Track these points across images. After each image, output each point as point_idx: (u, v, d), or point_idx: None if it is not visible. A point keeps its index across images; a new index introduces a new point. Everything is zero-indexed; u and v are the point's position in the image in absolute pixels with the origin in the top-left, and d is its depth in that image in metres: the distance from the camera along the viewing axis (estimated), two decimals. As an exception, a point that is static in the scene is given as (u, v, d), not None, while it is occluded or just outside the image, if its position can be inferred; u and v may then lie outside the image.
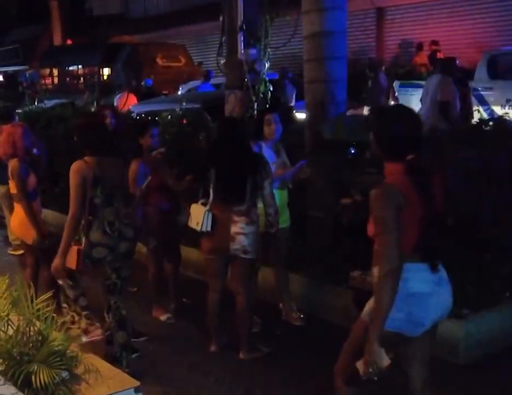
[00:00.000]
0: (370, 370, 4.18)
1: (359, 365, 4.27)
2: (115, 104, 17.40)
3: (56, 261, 6.20)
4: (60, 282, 6.90)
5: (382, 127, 4.46)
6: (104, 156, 6.32)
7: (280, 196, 7.31)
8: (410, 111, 4.53)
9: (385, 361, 4.13)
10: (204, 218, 6.73)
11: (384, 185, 4.31)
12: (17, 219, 7.70)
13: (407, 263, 4.23)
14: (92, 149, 6.32)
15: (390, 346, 4.26)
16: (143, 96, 19.02)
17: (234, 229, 6.62)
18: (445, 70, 11.63)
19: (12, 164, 7.62)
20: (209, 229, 6.73)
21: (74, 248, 6.26)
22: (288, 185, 7.59)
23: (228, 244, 6.64)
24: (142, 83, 21.83)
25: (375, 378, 4.24)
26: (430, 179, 4.39)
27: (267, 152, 7.28)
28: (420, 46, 20.86)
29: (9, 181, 7.77)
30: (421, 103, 11.96)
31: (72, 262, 6.26)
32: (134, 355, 6.77)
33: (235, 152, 6.71)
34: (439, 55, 19.69)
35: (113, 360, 5.95)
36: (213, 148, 7.17)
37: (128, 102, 17.45)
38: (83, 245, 6.27)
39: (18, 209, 7.66)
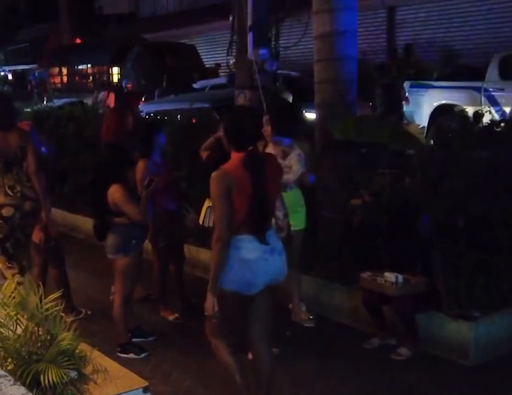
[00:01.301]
0: (207, 313, 5.40)
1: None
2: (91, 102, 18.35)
3: None
4: None
5: (229, 123, 5.45)
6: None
7: (292, 197, 7.21)
8: (250, 111, 5.87)
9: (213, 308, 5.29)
10: (206, 213, 6.74)
11: (219, 170, 5.18)
12: None
13: (240, 234, 5.15)
14: None
15: (233, 304, 5.33)
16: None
17: None
18: None
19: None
20: (210, 225, 6.71)
21: None
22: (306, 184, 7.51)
23: None
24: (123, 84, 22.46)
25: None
26: (264, 167, 5.28)
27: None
28: (409, 47, 21.14)
29: None
30: None
31: None
32: (142, 355, 6.76)
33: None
34: (413, 58, 20.14)
35: None
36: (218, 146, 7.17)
37: (109, 101, 18.33)
38: None
39: None
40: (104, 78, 27.54)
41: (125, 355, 6.82)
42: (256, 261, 5.19)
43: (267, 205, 5.34)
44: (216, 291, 5.24)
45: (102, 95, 21.88)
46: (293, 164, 7.38)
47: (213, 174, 5.16)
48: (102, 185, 6.84)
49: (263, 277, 5.25)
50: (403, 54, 20.74)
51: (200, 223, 6.86)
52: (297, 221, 7.29)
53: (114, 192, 6.76)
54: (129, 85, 23.32)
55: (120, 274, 6.98)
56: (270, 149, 7.30)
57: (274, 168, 5.47)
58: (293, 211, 7.04)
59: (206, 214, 6.79)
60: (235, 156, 5.27)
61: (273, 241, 5.29)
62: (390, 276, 6.58)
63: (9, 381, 2.93)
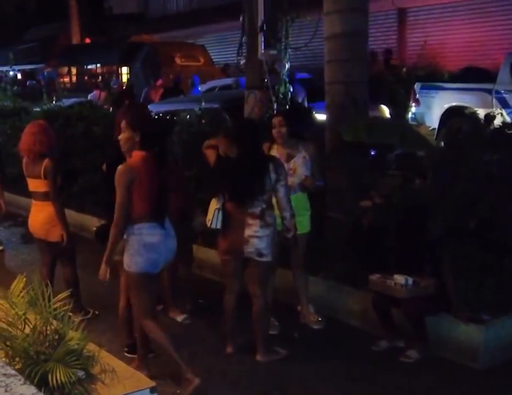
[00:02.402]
0: (101, 278, 6.22)
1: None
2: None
3: None
4: None
5: (140, 126, 6.19)
6: None
7: (296, 201, 7.14)
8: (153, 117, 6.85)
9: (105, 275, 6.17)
10: (213, 215, 6.73)
11: (123, 165, 6.03)
12: (41, 217, 7.67)
13: (143, 222, 6.02)
14: None
15: (146, 284, 6.11)
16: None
17: (248, 231, 6.57)
18: None
19: (46, 163, 7.56)
20: (218, 227, 6.73)
21: None
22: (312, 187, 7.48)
23: (242, 246, 6.60)
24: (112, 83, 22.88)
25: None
26: (166, 165, 6.37)
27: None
28: (388, 53, 21.53)
29: (32, 180, 7.72)
30: None
31: None
32: (150, 355, 6.75)
33: (245, 152, 6.66)
34: (393, 62, 21.35)
35: None
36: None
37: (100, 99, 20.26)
38: None
39: (42, 208, 7.64)
40: (113, 78, 27.60)
41: (133, 356, 6.79)
42: (159, 243, 6.08)
43: (165, 197, 6.24)
44: (111, 264, 6.19)
45: (94, 94, 22.84)
46: (297, 167, 7.34)
47: (119, 167, 6.02)
48: (107, 185, 6.80)
49: (164, 257, 6.20)
50: (383, 58, 21.15)
51: (208, 225, 6.83)
52: (302, 225, 7.27)
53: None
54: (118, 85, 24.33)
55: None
56: (274, 151, 7.26)
57: (168, 165, 6.65)
58: (298, 214, 7.03)
59: (214, 216, 6.77)
60: (140, 154, 6.08)
61: (168, 227, 6.20)
62: (400, 278, 6.55)
63: (19, 380, 2.92)
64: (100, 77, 29.28)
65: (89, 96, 22.52)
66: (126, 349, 6.99)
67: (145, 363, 6.49)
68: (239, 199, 6.67)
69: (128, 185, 5.95)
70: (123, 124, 6.32)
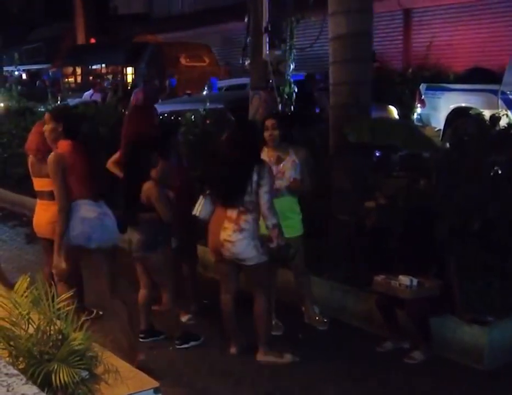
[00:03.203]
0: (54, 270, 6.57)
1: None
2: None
3: None
4: None
5: (65, 117, 6.83)
6: None
7: (283, 204, 7.10)
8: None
9: (63, 264, 6.46)
10: (198, 202, 6.78)
11: (53, 154, 6.53)
12: (47, 216, 7.65)
13: (80, 199, 6.46)
14: None
15: (74, 257, 6.61)
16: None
17: (223, 235, 6.54)
18: None
19: None
20: (197, 214, 6.83)
21: None
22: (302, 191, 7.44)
23: (219, 249, 6.61)
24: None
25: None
26: (93, 152, 6.90)
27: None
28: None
29: (39, 179, 7.71)
30: None
31: None
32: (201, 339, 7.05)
33: (230, 154, 6.65)
34: (378, 65, 20.78)
35: None
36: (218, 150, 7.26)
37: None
38: None
39: (48, 207, 7.63)
40: (118, 78, 27.63)
41: (186, 345, 7.12)
42: (93, 219, 6.45)
43: (94, 179, 6.62)
44: (63, 251, 6.46)
45: (88, 94, 23.25)
46: (286, 170, 7.28)
47: (50, 156, 6.54)
48: (136, 180, 6.91)
49: (99, 234, 6.46)
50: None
51: (193, 212, 6.87)
52: (293, 228, 7.24)
53: (150, 189, 6.83)
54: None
55: (157, 271, 7.04)
56: (264, 154, 7.21)
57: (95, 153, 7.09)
58: (285, 218, 6.96)
59: (198, 202, 6.81)
60: (66, 142, 6.58)
61: (104, 207, 6.61)
62: (404, 279, 6.54)
63: (21, 380, 2.91)
64: (105, 77, 29.31)
65: (84, 96, 23.02)
66: (177, 342, 7.20)
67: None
68: (221, 198, 6.66)
69: (62, 171, 6.46)
70: (47, 116, 6.95)
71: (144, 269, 7.17)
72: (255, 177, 6.43)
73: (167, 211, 6.85)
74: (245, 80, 19.75)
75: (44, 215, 7.67)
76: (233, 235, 6.46)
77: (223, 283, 6.96)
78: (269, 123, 7.31)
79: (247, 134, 6.84)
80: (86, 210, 6.50)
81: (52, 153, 6.60)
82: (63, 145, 6.62)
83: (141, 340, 7.24)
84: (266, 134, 7.25)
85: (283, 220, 6.84)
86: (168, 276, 7.05)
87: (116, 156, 8.27)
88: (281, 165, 7.26)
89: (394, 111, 15.78)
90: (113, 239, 6.71)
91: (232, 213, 6.49)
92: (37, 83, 32.35)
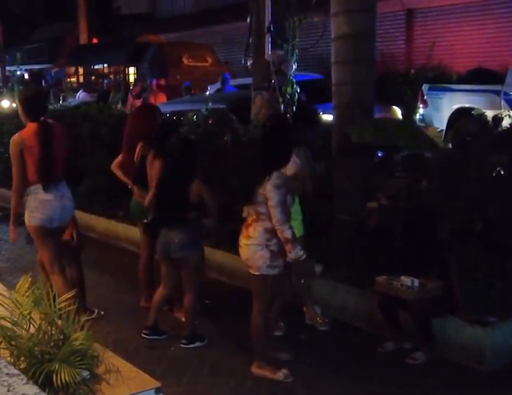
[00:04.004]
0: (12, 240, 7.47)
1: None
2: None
3: None
4: None
5: (24, 101, 7.23)
6: None
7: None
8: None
9: (16, 236, 7.32)
10: None
11: (15, 136, 7.06)
12: None
13: (35, 184, 7.00)
14: None
15: (43, 236, 7.17)
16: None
17: (239, 239, 6.52)
18: None
19: None
20: None
21: None
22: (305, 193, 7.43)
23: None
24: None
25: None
26: (54, 134, 7.13)
27: None
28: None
29: None
30: None
31: None
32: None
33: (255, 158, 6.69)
34: None
35: None
36: None
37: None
38: None
39: None
40: (120, 78, 27.65)
41: (191, 345, 7.13)
42: (53, 201, 7.08)
43: (54, 163, 7.11)
44: (16, 224, 7.26)
45: (81, 94, 23.64)
46: (288, 171, 7.24)
47: (12, 138, 7.07)
48: (183, 180, 6.98)
49: (59, 214, 7.16)
50: None
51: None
52: (297, 229, 7.22)
53: (201, 187, 6.97)
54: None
55: (195, 269, 7.13)
56: None
57: (60, 135, 7.28)
58: (292, 218, 6.98)
59: None
60: (31, 125, 7.05)
61: (63, 190, 7.22)
62: (406, 280, 6.53)
63: (22, 380, 2.91)
64: (108, 77, 29.32)
65: (78, 96, 23.29)
66: (146, 332, 7.29)
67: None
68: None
69: (20, 153, 6.97)
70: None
71: (174, 269, 7.20)
72: (261, 189, 6.18)
73: (217, 206, 7.08)
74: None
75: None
76: (243, 240, 6.39)
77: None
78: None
79: (275, 139, 6.44)
80: (44, 193, 7.05)
81: (14, 135, 7.15)
82: (28, 128, 7.11)
83: (144, 336, 7.27)
84: None
85: (294, 221, 6.96)
86: (196, 278, 7.19)
87: (119, 158, 8.27)
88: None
89: (398, 112, 15.77)
90: (68, 218, 7.41)
91: (249, 219, 6.38)
92: (42, 82, 32.31)
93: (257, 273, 6.34)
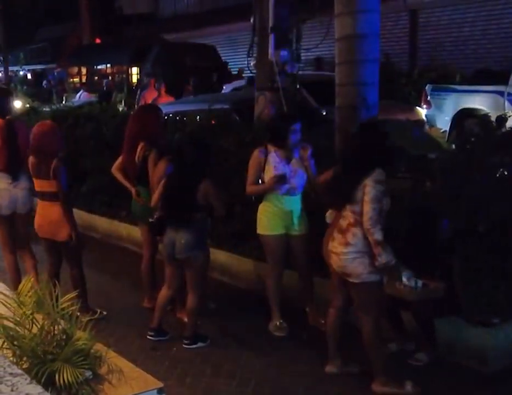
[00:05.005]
0: None
1: None
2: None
3: None
4: None
5: None
6: None
7: (298, 202, 7.27)
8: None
9: None
10: None
11: None
12: (48, 217, 7.65)
13: None
14: None
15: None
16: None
17: (330, 245, 6.19)
18: None
19: (55, 163, 7.53)
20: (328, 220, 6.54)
21: None
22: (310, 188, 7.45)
23: (328, 260, 6.33)
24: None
25: None
26: (14, 128, 7.98)
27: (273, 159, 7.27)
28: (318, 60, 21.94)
29: (40, 180, 7.70)
30: None
31: None
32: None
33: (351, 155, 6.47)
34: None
35: None
36: None
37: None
38: None
39: (49, 208, 7.63)
40: (118, 78, 27.69)
41: (194, 346, 7.15)
42: (4, 190, 7.98)
43: (17, 154, 7.89)
44: None
45: (82, 94, 23.72)
46: (297, 169, 7.29)
47: None
48: (192, 181, 6.99)
49: (9, 202, 8.02)
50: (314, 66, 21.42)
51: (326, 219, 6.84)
52: (303, 226, 7.38)
53: (209, 187, 6.97)
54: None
55: (200, 269, 7.18)
56: (272, 154, 7.23)
57: (22, 129, 8.06)
58: (300, 216, 7.21)
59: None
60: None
61: (21, 180, 8.01)
62: (408, 275, 6.51)
63: (25, 379, 2.90)
64: (110, 77, 29.31)
65: (78, 96, 23.24)
66: (151, 333, 7.33)
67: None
68: (329, 202, 6.52)
69: None
70: None
71: (178, 270, 7.20)
72: (360, 189, 5.89)
73: (223, 208, 7.13)
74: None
75: (46, 215, 7.68)
76: (339, 248, 6.01)
77: (332, 296, 6.59)
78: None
79: (375, 137, 6.23)
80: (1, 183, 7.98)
81: None
82: None
83: (149, 338, 7.27)
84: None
85: (298, 218, 7.21)
86: (203, 278, 7.26)
87: (119, 160, 8.26)
88: (291, 164, 7.28)
89: (422, 112, 15.56)
90: (23, 208, 8.14)
91: (343, 223, 6.02)
92: (44, 83, 32.36)
93: (357, 281, 6.01)
